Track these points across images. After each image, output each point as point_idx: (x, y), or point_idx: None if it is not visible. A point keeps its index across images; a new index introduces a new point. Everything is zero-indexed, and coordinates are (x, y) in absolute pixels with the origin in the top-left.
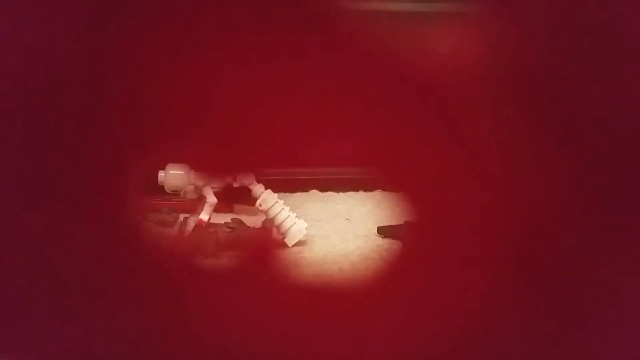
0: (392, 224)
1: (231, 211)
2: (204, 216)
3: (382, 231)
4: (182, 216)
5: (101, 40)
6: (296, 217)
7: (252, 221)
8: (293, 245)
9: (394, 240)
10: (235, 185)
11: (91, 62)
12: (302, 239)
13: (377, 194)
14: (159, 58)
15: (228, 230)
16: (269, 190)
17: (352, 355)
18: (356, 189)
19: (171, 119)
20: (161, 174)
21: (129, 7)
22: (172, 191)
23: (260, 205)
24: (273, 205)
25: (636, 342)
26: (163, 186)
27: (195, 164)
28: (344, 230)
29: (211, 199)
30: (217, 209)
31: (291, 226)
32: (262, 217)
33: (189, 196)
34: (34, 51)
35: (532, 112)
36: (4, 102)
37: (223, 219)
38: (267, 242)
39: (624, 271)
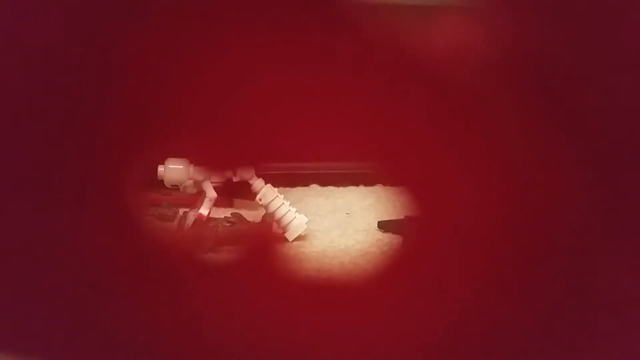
0: (393, 218)
1: (231, 205)
2: (204, 210)
3: (383, 226)
4: (181, 210)
5: (102, 34)
6: (296, 211)
7: (252, 215)
8: (293, 240)
9: (394, 235)
10: (235, 179)
11: (92, 57)
12: (303, 234)
13: (378, 189)
14: (159, 53)
15: (228, 224)
16: (269, 185)
17: (351, 350)
18: (356, 184)
19: (171, 113)
20: (161, 168)
21: (132, 1)
22: (171, 185)
23: (260, 199)
24: (273, 199)
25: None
26: (163, 180)
27: (195, 158)
28: (344, 224)
29: (211, 193)
30: (216, 204)
31: (291, 221)
32: (262, 212)
33: (189, 190)
34: (35, 45)
35: (534, 107)
36: (4, 97)
37: (223, 213)
38: (267, 236)
39: (625, 268)
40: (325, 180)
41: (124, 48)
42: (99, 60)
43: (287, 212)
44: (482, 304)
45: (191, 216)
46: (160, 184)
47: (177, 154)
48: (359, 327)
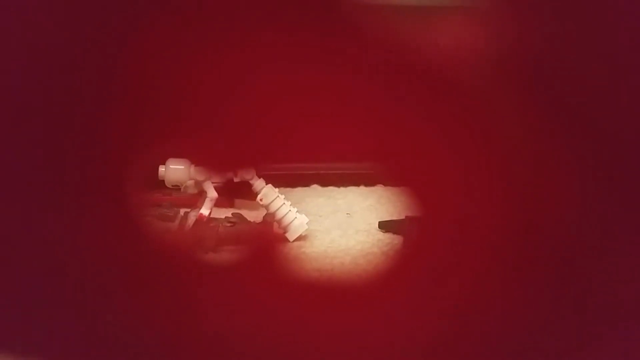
0: (394, 218)
1: (232, 206)
2: (205, 211)
3: (383, 226)
4: (182, 211)
5: (103, 34)
6: (297, 211)
7: (253, 216)
8: (294, 240)
9: (395, 235)
10: (235, 180)
11: (92, 57)
12: (303, 234)
13: (378, 189)
14: (160, 53)
15: (229, 224)
16: (269, 185)
17: (352, 350)
18: (357, 184)
19: (172, 113)
20: (161, 168)
21: (133, 1)
22: (172, 186)
23: (261, 199)
24: (274, 199)
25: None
26: (163, 181)
27: (195, 158)
28: (345, 225)
29: (212, 193)
30: (217, 204)
31: (292, 221)
32: (263, 212)
33: (190, 191)
34: (35, 45)
35: (535, 107)
36: (4, 97)
37: (224, 213)
38: (268, 236)
39: (625, 268)
40: (326, 181)
41: (124, 48)
42: (100, 60)
43: (288, 213)
44: (482, 304)
45: (192, 216)
46: (161, 184)
47: (178, 154)
48: (360, 327)
